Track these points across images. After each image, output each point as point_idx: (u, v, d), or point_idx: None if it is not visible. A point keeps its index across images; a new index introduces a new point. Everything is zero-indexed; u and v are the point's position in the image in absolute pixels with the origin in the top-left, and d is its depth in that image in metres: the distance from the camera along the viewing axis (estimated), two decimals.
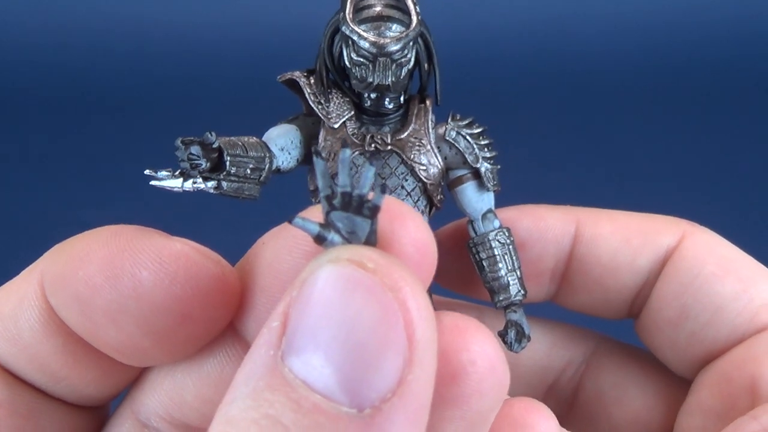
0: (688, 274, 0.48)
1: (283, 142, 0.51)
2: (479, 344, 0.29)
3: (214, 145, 0.45)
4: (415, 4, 0.49)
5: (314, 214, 0.29)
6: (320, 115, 0.51)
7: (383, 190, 0.28)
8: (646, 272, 0.50)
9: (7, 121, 1.63)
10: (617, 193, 1.36)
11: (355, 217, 0.28)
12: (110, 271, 0.32)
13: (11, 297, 0.34)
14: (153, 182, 0.45)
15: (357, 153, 0.51)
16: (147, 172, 0.45)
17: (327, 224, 0.28)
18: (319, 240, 0.28)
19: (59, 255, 0.33)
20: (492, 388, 0.30)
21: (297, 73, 0.52)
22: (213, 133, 0.45)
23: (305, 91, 0.51)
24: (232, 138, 0.47)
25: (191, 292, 0.32)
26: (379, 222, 0.28)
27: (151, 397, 0.36)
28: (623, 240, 0.50)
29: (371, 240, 0.28)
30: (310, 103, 0.51)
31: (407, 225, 0.29)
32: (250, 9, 1.76)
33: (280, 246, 0.32)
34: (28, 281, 0.34)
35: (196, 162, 0.45)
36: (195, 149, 0.45)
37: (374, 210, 0.28)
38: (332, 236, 0.28)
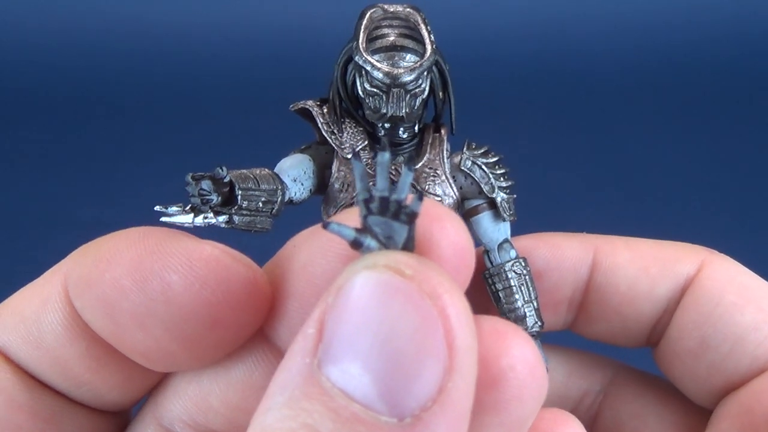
0: (707, 304, 0.47)
1: (295, 173, 0.50)
2: (519, 348, 0.29)
3: (225, 180, 0.45)
4: (429, 33, 0.48)
5: (350, 218, 0.29)
6: (333, 145, 0.50)
7: (420, 196, 0.27)
8: (665, 301, 0.49)
9: (7, 121, 1.62)
10: (630, 201, 1.35)
11: (393, 223, 0.27)
12: (139, 273, 0.31)
13: (34, 299, 0.33)
14: (164, 218, 0.45)
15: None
16: (157, 208, 0.45)
17: (364, 229, 0.28)
18: (356, 245, 0.28)
19: (84, 257, 0.33)
20: (531, 394, 0.29)
21: (310, 102, 0.51)
22: (224, 168, 0.44)
23: (318, 121, 0.50)
24: (244, 171, 0.47)
25: (222, 296, 0.31)
26: (418, 225, 0.28)
27: (175, 402, 0.35)
28: (642, 268, 0.49)
29: (409, 246, 0.28)
30: (323, 132, 0.50)
31: (446, 228, 0.29)
32: (250, 10, 1.75)
33: (314, 249, 0.31)
34: (51, 283, 0.33)
35: (207, 197, 0.44)
36: (206, 184, 0.44)
37: (412, 216, 0.27)
38: (369, 241, 0.27)
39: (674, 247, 0.50)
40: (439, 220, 0.29)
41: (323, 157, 0.51)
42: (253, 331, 0.33)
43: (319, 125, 0.50)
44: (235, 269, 0.31)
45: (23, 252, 1.14)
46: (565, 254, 0.50)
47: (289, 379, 0.26)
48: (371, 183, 0.28)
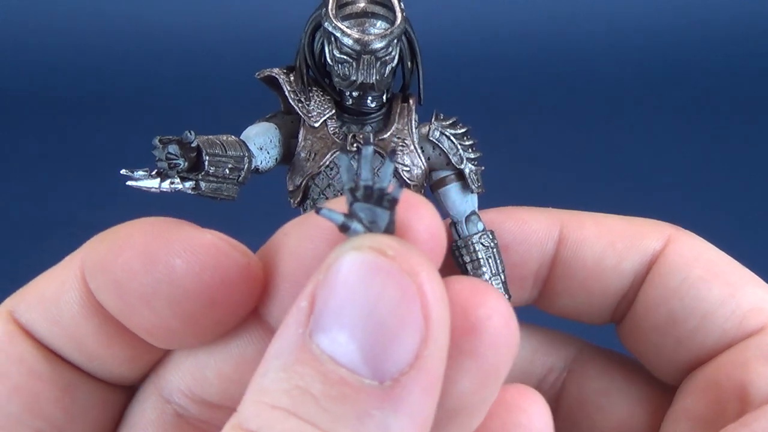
0: (674, 279, 0.47)
1: (262, 141, 0.50)
2: (495, 301, 0.32)
3: (193, 144, 0.45)
4: (399, 1, 0.49)
5: (337, 205, 0.32)
6: (300, 113, 0.50)
7: (402, 184, 0.29)
8: (631, 276, 0.49)
9: (7, 121, 1.63)
10: (610, 193, 1.35)
11: (376, 209, 0.31)
12: (147, 257, 0.34)
13: (53, 281, 0.37)
14: (129, 182, 0.45)
15: (338, 153, 0.50)
16: (123, 171, 0.45)
17: (350, 214, 0.31)
18: (344, 229, 0.31)
19: (100, 243, 0.36)
20: (505, 343, 0.32)
21: (276, 70, 0.51)
22: (192, 132, 0.44)
23: (284, 89, 0.50)
24: (211, 137, 0.47)
25: (220, 279, 0.34)
26: (397, 212, 0.31)
27: (174, 374, 0.38)
28: (608, 243, 0.49)
29: (390, 229, 0.31)
30: (290, 101, 0.50)
31: (421, 213, 0.32)
32: (250, 10, 1.76)
33: (303, 236, 0.34)
34: (69, 267, 0.36)
35: (174, 161, 0.44)
36: (173, 148, 0.44)
37: (393, 202, 0.31)
38: (355, 225, 0.31)
39: (641, 223, 0.50)
40: (415, 207, 0.32)
41: (289, 126, 0.51)
42: (248, 312, 0.36)
43: (286, 93, 0.50)
44: (232, 255, 0.35)
45: (23, 252, 1.14)
46: (532, 228, 0.50)
47: (284, 346, 0.29)
48: (356, 174, 0.31)
